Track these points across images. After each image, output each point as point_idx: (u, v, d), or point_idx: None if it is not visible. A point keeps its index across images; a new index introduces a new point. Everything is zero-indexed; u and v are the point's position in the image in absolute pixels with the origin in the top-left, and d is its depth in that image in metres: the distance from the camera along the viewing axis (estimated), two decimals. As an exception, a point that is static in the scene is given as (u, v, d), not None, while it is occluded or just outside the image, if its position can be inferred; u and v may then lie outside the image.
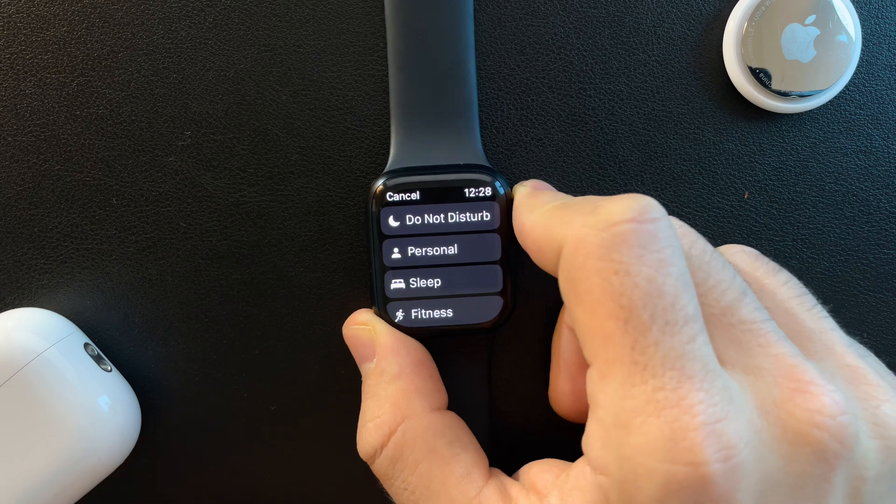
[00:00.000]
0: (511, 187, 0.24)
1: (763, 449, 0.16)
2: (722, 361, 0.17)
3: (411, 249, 0.24)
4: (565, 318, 0.22)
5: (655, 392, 0.15)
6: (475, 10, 0.25)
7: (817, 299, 0.20)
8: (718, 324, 0.17)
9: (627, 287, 0.16)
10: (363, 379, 0.23)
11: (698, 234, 0.19)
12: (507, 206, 0.24)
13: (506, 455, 0.28)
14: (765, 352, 0.17)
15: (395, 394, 0.21)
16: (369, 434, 0.21)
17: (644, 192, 0.26)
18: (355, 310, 0.26)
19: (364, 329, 0.23)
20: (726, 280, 0.18)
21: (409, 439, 0.21)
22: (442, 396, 0.23)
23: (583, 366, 0.22)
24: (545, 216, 0.19)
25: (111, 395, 0.25)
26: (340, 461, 0.28)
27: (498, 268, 0.24)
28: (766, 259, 0.21)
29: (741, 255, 0.21)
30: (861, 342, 0.21)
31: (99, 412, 0.24)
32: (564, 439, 0.26)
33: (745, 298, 0.18)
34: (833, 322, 0.20)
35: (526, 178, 0.26)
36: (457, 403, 0.26)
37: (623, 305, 0.16)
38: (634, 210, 0.16)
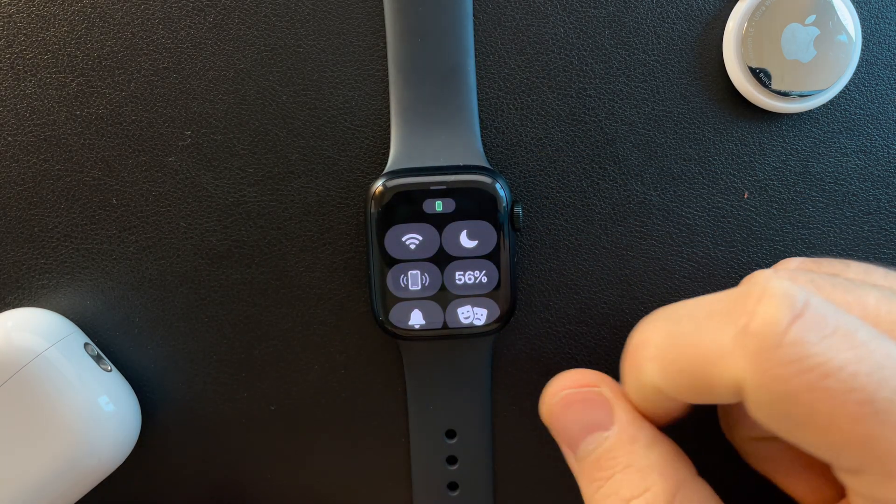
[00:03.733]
0: (510, 188, 0.24)
1: None
2: None
3: (411, 250, 0.24)
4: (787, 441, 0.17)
5: None
6: (475, 10, 0.25)
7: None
8: None
9: (848, 380, 0.14)
10: (590, 454, 0.19)
11: (803, 272, 0.17)
12: (504, 207, 0.24)
13: (509, 461, 0.28)
14: None
15: (659, 461, 0.18)
16: None
17: (644, 192, 0.26)
18: (355, 310, 0.26)
19: (594, 392, 0.20)
20: (877, 297, 0.16)
21: None
22: (690, 464, 0.19)
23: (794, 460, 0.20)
24: (674, 349, 0.16)
25: (111, 395, 0.25)
26: (340, 461, 0.28)
27: (498, 268, 0.24)
28: (825, 259, 0.20)
29: (808, 266, 0.19)
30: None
31: (99, 412, 0.24)
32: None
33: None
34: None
35: (526, 179, 0.26)
36: (457, 417, 0.26)
37: (861, 400, 0.14)
38: (786, 308, 0.14)
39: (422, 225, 0.24)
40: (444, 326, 0.24)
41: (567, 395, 0.20)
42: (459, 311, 0.24)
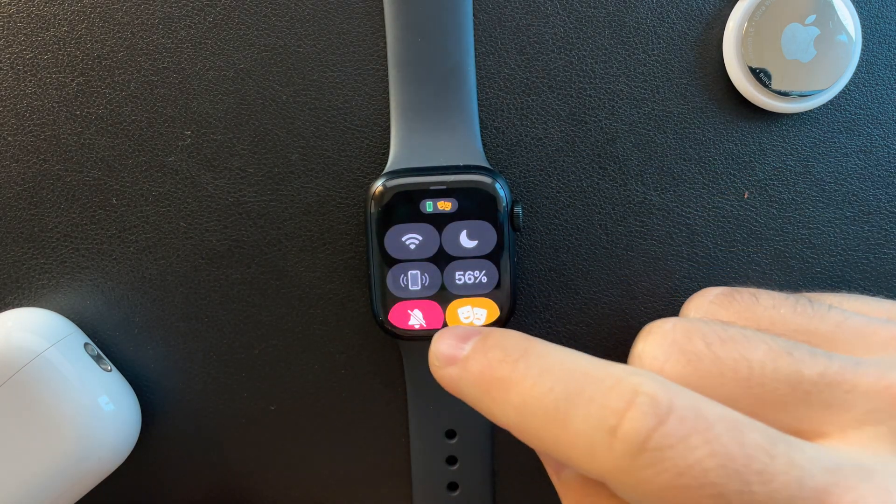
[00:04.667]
0: (510, 188, 0.24)
1: None
2: (828, 435, 0.16)
3: (410, 250, 0.24)
4: None
5: None
6: (475, 10, 0.25)
7: (798, 292, 0.20)
8: (795, 401, 0.16)
9: (700, 477, 0.15)
10: (572, 478, 0.19)
11: (697, 325, 0.18)
12: (504, 207, 0.24)
13: (510, 467, 0.28)
14: (856, 396, 0.16)
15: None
16: None
17: (644, 192, 0.26)
18: (355, 310, 0.26)
19: None
20: (768, 356, 0.17)
21: None
22: None
23: None
24: (538, 429, 0.17)
25: (111, 395, 0.25)
26: (340, 461, 0.28)
27: (498, 268, 0.24)
28: (735, 293, 0.20)
29: (715, 307, 0.20)
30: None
31: (99, 412, 0.24)
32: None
33: (793, 356, 0.16)
34: (835, 310, 0.19)
35: (526, 179, 0.26)
36: (457, 417, 0.26)
37: (713, 494, 0.14)
38: (651, 417, 0.15)
39: (422, 225, 0.24)
40: (444, 326, 0.24)
41: None
42: (459, 311, 0.24)
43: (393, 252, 0.24)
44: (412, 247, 0.24)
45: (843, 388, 0.16)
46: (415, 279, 0.24)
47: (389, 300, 0.24)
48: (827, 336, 0.18)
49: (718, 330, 0.18)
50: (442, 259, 0.24)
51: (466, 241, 0.24)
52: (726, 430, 0.15)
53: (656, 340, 0.18)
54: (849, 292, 0.27)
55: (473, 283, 0.24)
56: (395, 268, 0.24)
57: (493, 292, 0.24)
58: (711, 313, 0.20)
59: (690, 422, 0.15)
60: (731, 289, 0.21)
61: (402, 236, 0.24)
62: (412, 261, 0.24)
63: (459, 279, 0.24)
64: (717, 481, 0.14)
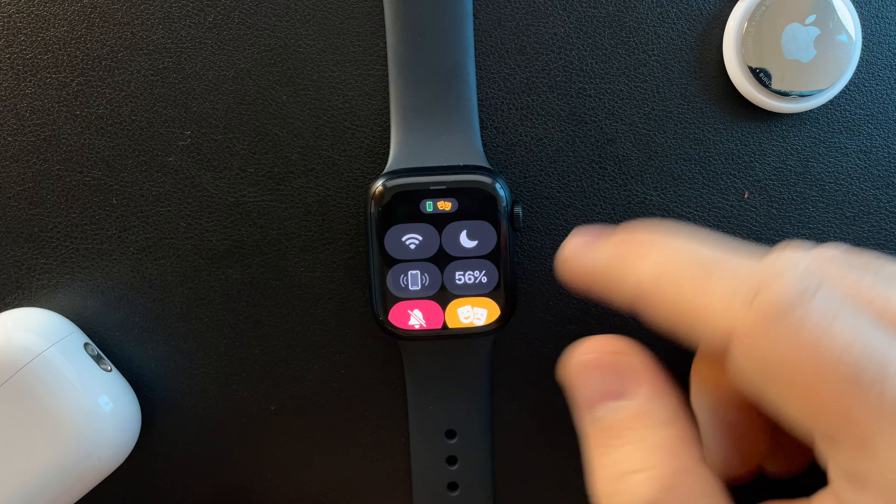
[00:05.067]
0: (510, 188, 0.24)
1: None
2: None
3: (410, 250, 0.24)
4: (772, 408, 0.17)
5: None
6: (475, 10, 0.25)
7: None
8: None
9: (840, 350, 0.14)
10: (602, 421, 0.19)
11: (835, 257, 0.17)
12: (504, 207, 0.24)
13: (509, 470, 0.28)
14: None
15: (667, 443, 0.18)
16: (639, 487, 0.17)
17: (644, 192, 0.26)
18: (355, 310, 0.26)
19: (620, 359, 0.19)
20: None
21: (685, 496, 0.17)
22: (701, 446, 0.19)
23: (747, 421, 0.20)
24: (678, 280, 0.17)
25: (111, 395, 0.25)
26: (340, 461, 0.28)
27: (498, 268, 0.24)
28: (866, 253, 0.19)
29: (850, 259, 0.19)
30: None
31: (99, 412, 0.24)
32: (569, 456, 0.26)
33: None
34: None
35: (526, 179, 0.26)
36: (457, 417, 0.26)
37: (848, 369, 0.14)
38: (799, 289, 0.15)
39: (422, 225, 0.24)
40: (444, 326, 0.24)
41: (593, 358, 0.19)
42: (459, 311, 0.24)
43: (393, 252, 0.24)
44: (412, 247, 0.24)
45: None
46: (415, 279, 0.24)
47: (389, 300, 0.24)
48: None
49: (859, 265, 0.17)
50: (442, 259, 0.24)
51: (466, 241, 0.24)
52: (870, 327, 0.15)
53: (794, 254, 0.17)
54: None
55: (473, 283, 0.24)
56: (395, 268, 0.24)
57: (493, 292, 0.24)
58: (846, 262, 0.19)
59: (836, 307, 0.15)
60: (858, 250, 0.20)
61: (402, 236, 0.24)
62: (412, 261, 0.24)
63: (459, 279, 0.24)
64: (858, 360, 0.14)
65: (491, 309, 0.24)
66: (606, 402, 0.19)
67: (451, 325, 0.24)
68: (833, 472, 0.16)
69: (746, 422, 0.20)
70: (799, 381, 0.15)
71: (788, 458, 0.21)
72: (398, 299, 0.24)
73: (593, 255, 0.19)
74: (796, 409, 0.15)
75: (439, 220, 0.24)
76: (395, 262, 0.24)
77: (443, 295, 0.24)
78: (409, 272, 0.24)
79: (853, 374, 0.14)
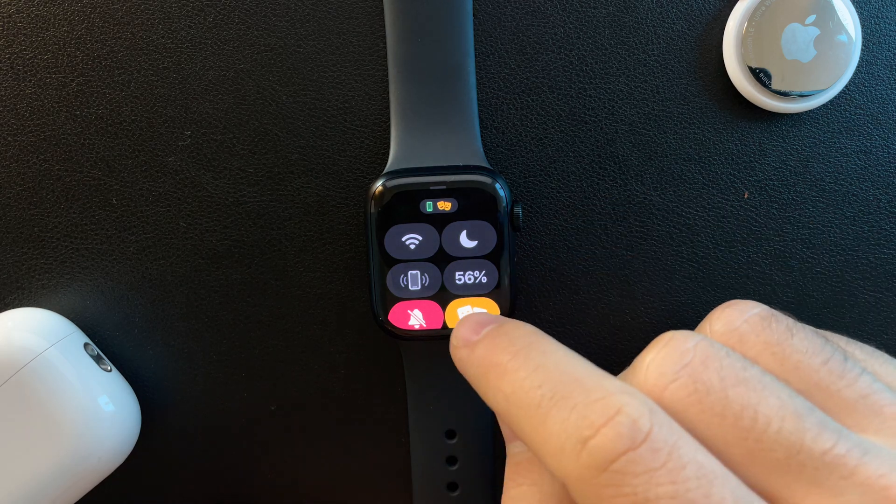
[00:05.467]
0: (510, 188, 0.24)
1: None
2: None
3: (410, 250, 0.24)
4: None
5: None
6: (475, 10, 0.25)
7: (835, 349, 0.19)
8: (788, 468, 0.16)
9: None
10: (515, 457, 0.20)
11: (718, 354, 0.17)
12: (504, 207, 0.24)
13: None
14: (850, 484, 0.15)
15: (563, 491, 0.19)
16: None
17: (644, 192, 0.26)
18: (355, 310, 0.26)
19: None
20: (776, 412, 0.16)
21: None
22: None
23: None
24: (519, 420, 0.17)
25: (111, 395, 0.25)
26: (340, 461, 0.28)
27: (498, 268, 0.24)
28: (774, 320, 0.19)
29: (747, 327, 0.19)
30: (862, 342, 0.21)
31: (99, 412, 0.24)
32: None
33: (802, 424, 0.16)
34: (865, 375, 0.18)
35: (526, 179, 0.26)
36: (457, 417, 0.26)
37: None
38: (626, 438, 0.15)
39: (422, 225, 0.24)
40: (444, 326, 0.24)
41: None
42: (459, 311, 0.24)
43: (393, 252, 0.24)
44: (412, 247, 0.24)
45: (839, 472, 0.15)
46: (415, 279, 0.24)
47: (389, 300, 0.24)
48: (847, 404, 0.17)
49: (738, 368, 0.17)
50: (442, 259, 0.24)
51: (466, 241, 0.24)
52: (696, 476, 0.15)
53: (671, 357, 0.17)
54: (848, 292, 0.27)
55: (473, 283, 0.24)
56: (395, 268, 0.24)
57: (493, 292, 0.24)
58: (740, 333, 0.19)
59: (663, 456, 0.15)
60: (771, 313, 0.19)
61: (402, 236, 0.24)
62: (412, 261, 0.24)
63: (459, 279, 0.24)
64: None
65: (491, 309, 0.24)
66: (517, 440, 0.20)
67: (451, 325, 0.24)
68: None
69: None
70: None
71: None
72: (398, 299, 0.24)
73: (466, 363, 0.20)
74: None
75: (439, 220, 0.24)
76: (395, 262, 0.24)
77: (443, 295, 0.24)
78: (409, 272, 0.24)
79: None
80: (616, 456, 0.15)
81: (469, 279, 0.24)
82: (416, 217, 0.24)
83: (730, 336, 0.19)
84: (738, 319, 0.19)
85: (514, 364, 0.18)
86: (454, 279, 0.24)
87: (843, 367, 0.18)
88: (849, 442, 0.16)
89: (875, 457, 0.16)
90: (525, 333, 0.19)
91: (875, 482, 0.15)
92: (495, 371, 0.18)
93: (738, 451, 0.16)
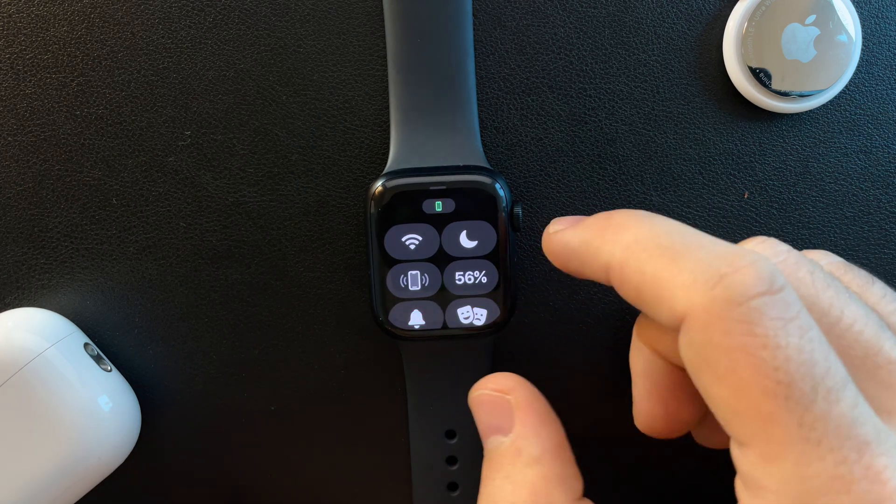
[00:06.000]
0: (510, 188, 0.24)
1: None
2: (878, 411, 0.16)
3: (410, 251, 0.24)
4: (701, 385, 0.18)
5: (837, 467, 0.14)
6: (475, 10, 0.25)
7: None
8: (863, 367, 0.16)
9: (781, 361, 0.15)
10: (489, 454, 0.20)
11: (809, 260, 0.18)
12: (504, 207, 0.24)
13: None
14: None
15: (534, 479, 0.19)
16: None
17: (644, 192, 0.26)
18: (355, 310, 0.26)
19: (502, 398, 0.20)
20: (861, 317, 0.17)
21: None
22: (580, 484, 0.20)
23: (677, 389, 0.21)
24: (645, 260, 0.17)
25: (111, 395, 0.25)
26: (340, 461, 0.28)
27: (498, 268, 0.24)
28: (855, 268, 0.20)
29: (832, 268, 0.20)
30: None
31: (99, 412, 0.24)
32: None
33: (883, 334, 0.17)
34: None
35: (526, 179, 0.26)
36: (457, 417, 0.26)
37: (781, 381, 0.14)
38: (765, 281, 0.15)
39: (422, 225, 0.24)
40: (444, 326, 0.24)
41: (480, 395, 0.21)
42: (459, 311, 0.24)
43: (393, 252, 0.24)
44: (412, 247, 0.24)
45: None
46: (415, 279, 0.24)
47: (389, 300, 0.24)
48: None
49: (827, 276, 0.18)
50: (442, 259, 0.24)
51: (466, 242, 0.24)
52: (819, 340, 0.15)
53: (768, 250, 0.18)
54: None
55: (473, 283, 0.24)
56: (395, 268, 0.24)
57: (493, 292, 0.24)
58: (828, 268, 0.20)
59: (794, 311, 0.15)
60: (850, 264, 0.20)
61: (402, 236, 0.24)
62: (412, 261, 0.24)
63: (459, 279, 0.24)
64: (794, 374, 0.14)
65: (491, 309, 0.24)
66: (492, 435, 0.20)
67: (451, 325, 0.24)
68: (738, 474, 0.16)
69: (677, 390, 0.20)
70: (732, 380, 0.15)
71: (715, 434, 0.21)
72: (398, 299, 0.24)
73: (572, 233, 0.19)
74: (721, 404, 0.16)
75: (439, 221, 0.24)
76: (395, 262, 0.24)
77: (443, 295, 0.24)
78: (409, 272, 0.24)
79: (784, 389, 0.15)
80: (756, 294, 0.15)
81: (469, 279, 0.24)
82: (416, 217, 0.24)
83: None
84: (824, 260, 0.20)
85: (636, 221, 0.18)
86: (454, 279, 0.24)
87: None
88: None
89: None
90: (640, 211, 0.19)
91: None
92: (614, 228, 0.18)
93: None
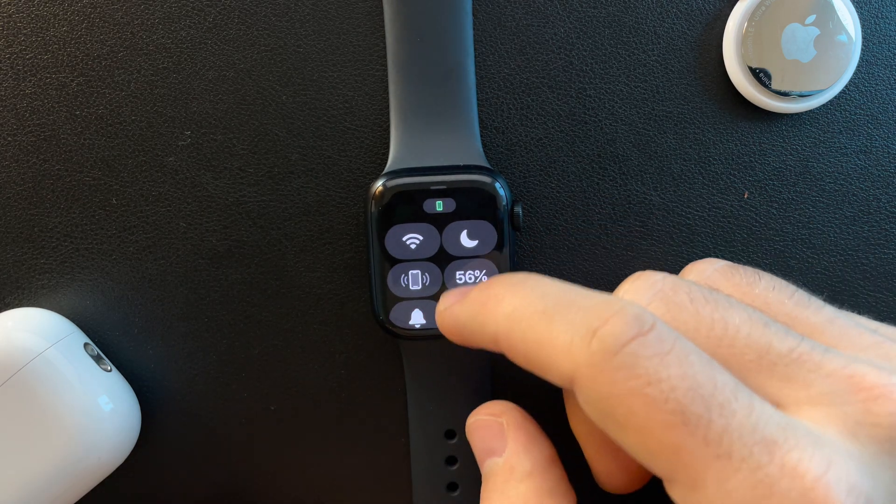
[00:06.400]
0: (510, 188, 0.24)
1: (876, 473, 0.15)
2: (783, 406, 0.17)
3: (411, 250, 0.24)
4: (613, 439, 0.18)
5: (754, 473, 0.15)
6: (475, 10, 0.25)
7: (800, 287, 0.20)
8: (759, 368, 0.17)
9: (668, 392, 0.15)
10: (487, 475, 0.21)
11: (686, 282, 0.19)
12: (505, 207, 0.24)
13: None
14: (818, 376, 0.16)
15: (527, 494, 0.20)
16: None
17: (644, 192, 0.26)
18: (355, 310, 0.26)
19: (495, 421, 0.21)
20: (745, 321, 0.17)
21: None
22: (573, 498, 0.21)
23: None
24: (525, 328, 0.18)
25: (111, 395, 0.25)
26: (340, 461, 0.28)
27: (498, 268, 0.24)
28: (741, 268, 0.21)
29: (717, 275, 0.21)
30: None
31: (99, 412, 0.24)
32: (568, 457, 0.26)
33: (769, 330, 0.17)
34: (830, 307, 0.19)
35: (526, 178, 0.26)
36: (457, 417, 0.26)
37: (674, 410, 0.15)
38: (634, 325, 0.16)
39: (422, 225, 0.24)
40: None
41: (476, 421, 0.22)
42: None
43: (393, 252, 0.24)
44: (413, 247, 0.24)
45: (806, 367, 0.17)
46: (415, 279, 0.24)
47: (390, 300, 0.24)
48: (813, 328, 0.19)
49: (705, 292, 0.18)
50: (442, 259, 0.24)
51: (467, 241, 0.24)
52: (699, 362, 0.16)
53: (643, 285, 0.19)
54: (848, 292, 0.27)
55: (474, 282, 0.24)
56: (396, 268, 0.24)
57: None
58: (712, 281, 0.20)
59: (669, 344, 0.16)
60: (736, 265, 0.21)
61: (403, 236, 0.24)
62: (413, 261, 0.24)
63: (460, 279, 0.24)
64: (682, 400, 0.15)
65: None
66: (487, 459, 0.21)
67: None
68: None
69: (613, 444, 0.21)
70: (633, 424, 0.16)
71: None
72: (399, 299, 0.24)
73: (459, 309, 0.20)
74: (634, 449, 0.16)
75: (440, 220, 0.24)
76: (395, 261, 0.24)
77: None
78: (410, 272, 0.24)
79: (679, 417, 0.15)
80: (627, 340, 0.16)
81: (470, 278, 0.24)
82: (416, 217, 0.24)
83: (701, 283, 0.20)
84: (709, 269, 0.21)
85: (512, 290, 0.19)
86: (455, 279, 0.24)
87: (808, 300, 0.19)
88: (810, 343, 0.17)
89: (836, 355, 0.17)
90: (518, 273, 0.20)
91: (839, 371, 0.16)
92: (493, 300, 0.19)
93: (716, 358, 0.17)
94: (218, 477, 0.28)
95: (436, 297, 0.24)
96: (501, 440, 0.21)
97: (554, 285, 0.18)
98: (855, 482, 0.15)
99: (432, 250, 0.24)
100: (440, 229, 0.24)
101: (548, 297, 0.18)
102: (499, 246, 0.24)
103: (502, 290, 0.19)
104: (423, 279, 0.24)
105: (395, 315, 0.24)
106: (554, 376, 0.17)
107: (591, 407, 0.16)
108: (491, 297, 0.19)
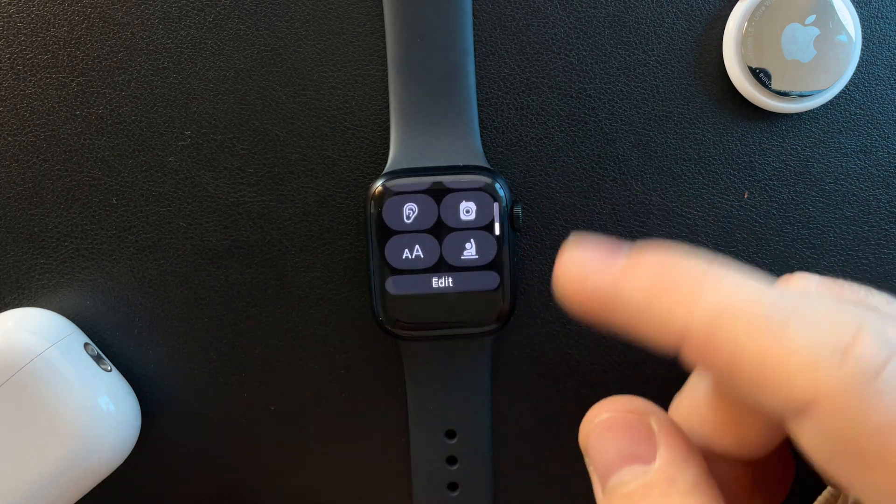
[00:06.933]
0: (510, 188, 0.24)
1: None
2: None
3: (410, 250, 0.24)
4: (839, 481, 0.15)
5: None
6: (475, 10, 0.25)
7: None
8: None
9: None
10: (624, 485, 0.17)
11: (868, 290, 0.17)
12: (505, 207, 0.24)
13: (509, 471, 0.28)
14: None
15: None
16: None
17: (644, 192, 0.26)
18: (355, 310, 0.26)
19: (639, 420, 0.17)
20: None
21: None
22: None
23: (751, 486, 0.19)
24: (742, 333, 0.14)
25: (111, 395, 0.25)
26: (341, 461, 0.28)
27: (498, 268, 0.24)
28: (840, 282, 0.18)
29: (824, 290, 0.18)
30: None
31: (99, 412, 0.24)
32: (569, 457, 0.26)
33: None
34: None
35: (526, 179, 0.26)
36: (457, 417, 0.26)
37: None
38: (886, 345, 0.13)
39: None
40: (444, 327, 0.24)
41: (610, 417, 0.18)
42: (458, 310, 0.24)
43: (393, 254, 0.24)
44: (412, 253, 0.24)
45: None
46: (414, 280, 0.24)
47: (390, 301, 0.24)
48: None
49: (884, 316, 0.15)
50: (442, 266, 0.24)
51: (467, 245, 0.24)
52: None
53: (828, 292, 0.16)
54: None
55: (472, 283, 0.24)
56: (396, 269, 0.24)
57: (493, 292, 0.24)
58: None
59: None
60: (830, 278, 0.19)
61: (402, 240, 0.24)
62: (414, 261, 0.24)
63: (459, 279, 0.24)
64: None
65: (491, 309, 0.24)
66: (625, 466, 0.17)
67: (449, 325, 0.24)
68: None
69: (750, 487, 0.18)
70: (887, 463, 0.13)
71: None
72: (397, 300, 0.24)
73: (619, 281, 0.16)
74: (877, 490, 0.13)
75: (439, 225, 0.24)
76: (395, 264, 0.24)
77: (442, 295, 0.24)
78: (410, 275, 0.24)
79: None
80: (885, 360, 0.13)
81: (468, 279, 0.24)
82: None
83: None
84: (812, 282, 0.19)
85: (713, 274, 0.15)
86: (453, 279, 0.24)
87: None
88: None
89: None
90: (698, 250, 0.16)
91: None
92: (687, 285, 0.15)
93: None
94: (218, 477, 0.28)
95: (434, 299, 0.24)
96: (650, 445, 0.17)
97: (756, 279, 0.15)
98: None
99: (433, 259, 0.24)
100: (440, 239, 0.24)
101: (768, 296, 0.15)
102: (499, 246, 0.24)
103: (700, 272, 0.15)
104: (421, 280, 0.24)
105: (394, 316, 0.24)
106: (769, 398, 0.14)
107: (826, 441, 0.14)
108: (680, 280, 0.15)
